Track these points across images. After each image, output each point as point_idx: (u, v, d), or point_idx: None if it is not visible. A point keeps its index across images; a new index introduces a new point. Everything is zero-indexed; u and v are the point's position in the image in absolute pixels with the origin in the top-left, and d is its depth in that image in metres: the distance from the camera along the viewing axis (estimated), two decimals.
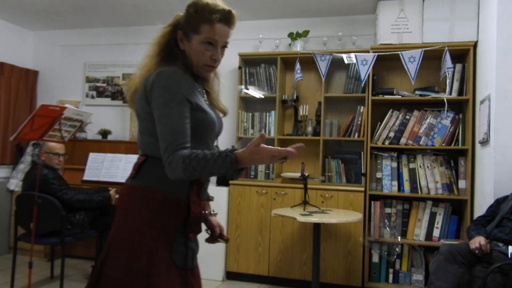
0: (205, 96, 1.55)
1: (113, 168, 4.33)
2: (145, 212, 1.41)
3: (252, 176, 4.19)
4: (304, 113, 4.11)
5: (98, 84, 5.07)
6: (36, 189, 3.12)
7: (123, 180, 4.34)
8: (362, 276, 3.70)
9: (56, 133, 3.08)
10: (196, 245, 1.54)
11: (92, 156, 4.45)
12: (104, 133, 4.74)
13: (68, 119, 3.10)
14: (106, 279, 1.40)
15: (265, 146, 1.30)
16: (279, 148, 1.33)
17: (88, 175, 4.35)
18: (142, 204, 1.42)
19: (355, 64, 3.65)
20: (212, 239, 1.71)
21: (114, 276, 1.39)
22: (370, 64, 3.53)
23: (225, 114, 1.64)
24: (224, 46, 1.48)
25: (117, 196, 3.90)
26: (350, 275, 3.72)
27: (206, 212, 1.67)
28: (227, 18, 1.44)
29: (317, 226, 3.24)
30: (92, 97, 5.09)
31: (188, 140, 1.35)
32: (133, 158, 4.24)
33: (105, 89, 5.05)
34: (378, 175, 3.79)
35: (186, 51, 1.47)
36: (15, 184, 4.70)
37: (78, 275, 4.04)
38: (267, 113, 4.15)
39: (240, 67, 4.22)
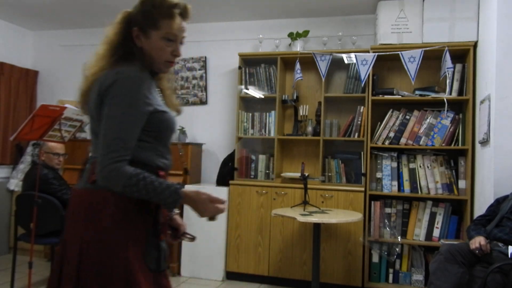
0: (160, 94, 1.50)
1: None
2: (115, 217, 1.34)
3: (252, 176, 4.19)
4: (304, 113, 4.11)
5: None
6: (36, 189, 3.12)
7: None
8: (362, 276, 3.70)
9: (56, 133, 3.08)
10: (166, 245, 1.50)
11: None
12: None
13: (68, 119, 3.09)
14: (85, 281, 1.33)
15: (215, 205, 1.38)
16: (220, 206, 1.40)
17: None
18: (109, 210, 1.34)
19: (355, 64, 3.65)
20: (175, 237, 1.68)
21: (94, 277, 1.32)
22: (370, 64, 3.53)
23: (179, 112, 1.59)
24: (182, 42, 1.47)
25: None
26: (350, 275, 3.72)
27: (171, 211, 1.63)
28: (185, 13, 1.44)
29: (317, 226, 3.23)
30: None
31: (130, 153, 1.32)
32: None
33: None
34: (378, 175, 3.79)
35: (144, 48, 1.42)
36: (15, 184, 4.70)
37: None
38: (267, 113, 4.15)
39: (240, 67, 4.22)
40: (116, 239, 1.33)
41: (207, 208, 1.39)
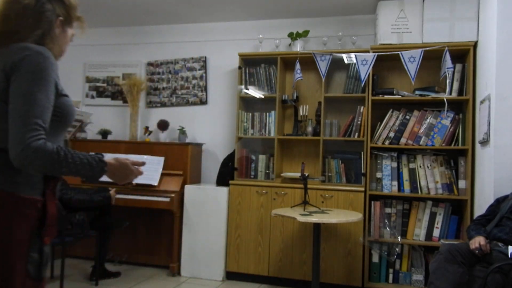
0: None
1: None
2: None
3: (252, 176, 4.19)
4: (304, 113, 4.11)
5: (98, 84, 5.07)
6: None
7: None
8: (362, 276, 3.70)
9: None
10: (49, 250, 1.38)
11: None
12: (104, 133, 4.74)
13: None
14: None
15: (137, 168, 1.42)
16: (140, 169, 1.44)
17: None
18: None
19: (355, 64, 3.65)
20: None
21: None
22: (370, 64, 3.53)
23: None
24: None
25: (117, 196, 3.91)
26: (350, 275, 3.72)
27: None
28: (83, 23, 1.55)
29: (317, 226, 3.23)
30: (92, 97, 5.09)
31: (46, 131, 1.23)
32: (133, 158, 4.25)
33: (105, 89, 5.05)
34: (378, 175, 3.79)
35: (56, 37, 1.41)
36: None
37: (78, 275, 4.04)
38: (267, 113, 4.15)
39: (240, 67, 4.22)
40: (15, 231, 1.24)
41: (131, 170, 1.39)
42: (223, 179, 4.22)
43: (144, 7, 4.32)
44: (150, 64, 4.90)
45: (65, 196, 3.46)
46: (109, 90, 5.04)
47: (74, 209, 3.51)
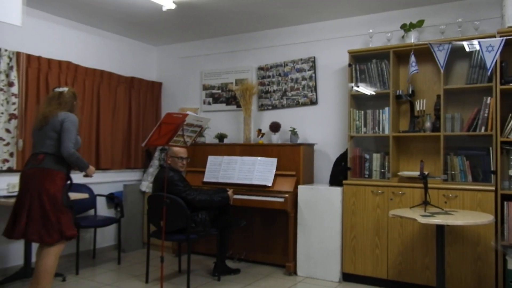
0: None
1: (229, 170, 4.56)
2: (57, 178, 3.05)
3: (367, 176, 4.07)
4: (421, 108, 3.88)
5: (213, 91, 5.39)
6: (164, 190, 3.42)
7: (239, 181, 4.57)
8: (496, 284, 3.36)
9: (180, 139, 3.34)
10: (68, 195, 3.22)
11: (211, 159, 4.74)
12: (221, 137, 5.02)
13: (190, 125, 3.34)
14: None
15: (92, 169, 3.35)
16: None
17: (208, 177, 4.64)
18: (55, 176, 3.05)
19: (478, 51, 3.34)
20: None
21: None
22: (498, 50, 3.19)
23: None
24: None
25: (234, 196, 4.10)
26: (481, 282, 3.41)
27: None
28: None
29: (440, 228, 3.02)
30: (209, 103, 5.42)
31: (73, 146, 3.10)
32: (248, 160, 4.44)
33: (220, 95, 5.34)
34: (511, 172, 3.40)
35: (74, 108, 3.30)
36: (146, 186, 5.21)
37: (202, 270, 4.33)
38: (381, 110, 4.00)
39: (350, 65, 4.14)
40: (59, 187, 3.03)
41: (91, 170, 3.30)
42: (336, 179, 4.18)
43: (253, 14, 4.48)
44: (260, 68, 5.05)
45: (189, 197, 3.73)
46: (224, 96, 5.32)
47: (196, 208, 3.78)
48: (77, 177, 4.69)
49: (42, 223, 2.94)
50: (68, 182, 3.14)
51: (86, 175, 3.28)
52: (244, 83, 4.95)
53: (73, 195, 4.14)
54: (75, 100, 3.28)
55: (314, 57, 4.69)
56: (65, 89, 3.24)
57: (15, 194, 3.17)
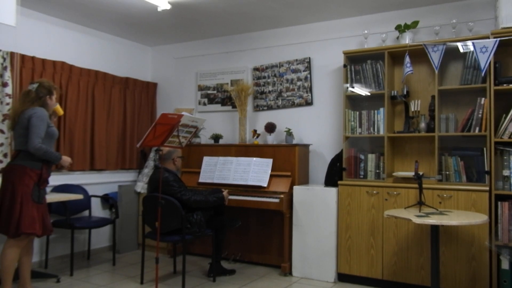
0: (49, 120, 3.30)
1: (225, 171, 4.56)
2: (26, 175, 3.12)
3: (362, 176, 4.08)
4: (416, 109, 3.89)
5: (209, 92, 5.38)
6: (159, 191, 3.41)
7: (234, 182, 4.55)
8: (490, 284, 3.38)
9: (175, 139, 3.33)
10: (44, 191, 3.30)
11: (206, 159, 4.73)
12: (216, 137, 5.01)
13: (185, 126, 3.33)
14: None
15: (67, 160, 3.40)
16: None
17: (203, 178, 4.63)
18: (26, 172, 3.12)
19: (472, 52, 3.36)
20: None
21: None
22: (491, 51, 3.21)
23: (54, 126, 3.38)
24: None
25: (229, 197, 4.10)
26: (476, 282, 3.42)
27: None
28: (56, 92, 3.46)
29: (435, 228, 3.04)
30: (204, 104, 5.41)
31: (42, 140, 3.16)
32: (243, 161, 4.44)
33: (215, 96, 5.34)
34: (505, 172, 3.42)
35: (47, 103, 3.33)
36: (141, 187, 5.19)
37: (197, 271, 4.32)
38: (375, 111, 4.01)
39: (345, 65, 4.15)
40: (27, 183, 3.11)
41: (65, 161, 3.34)
42: (331, 180, 4.18)
43: (248, 14, 4.48)
44: (256, 69, 5.05)
45: (184, 197, 3.73)
46: (219, 96, 5.31)
47: (191, 209, 3.77)
48: (73, 178, 4.76)
49: (6, 216, 3.08)
50: (40, 178, 3.18)
51: (61, 167, 3.36)
52: (240, 83, 4.95)
53: (67, 196, 4.15)
54: (49, 94, 3.28)
55: (309, 58, 4.69)
56: (35, 85, 3.25)
57: None
